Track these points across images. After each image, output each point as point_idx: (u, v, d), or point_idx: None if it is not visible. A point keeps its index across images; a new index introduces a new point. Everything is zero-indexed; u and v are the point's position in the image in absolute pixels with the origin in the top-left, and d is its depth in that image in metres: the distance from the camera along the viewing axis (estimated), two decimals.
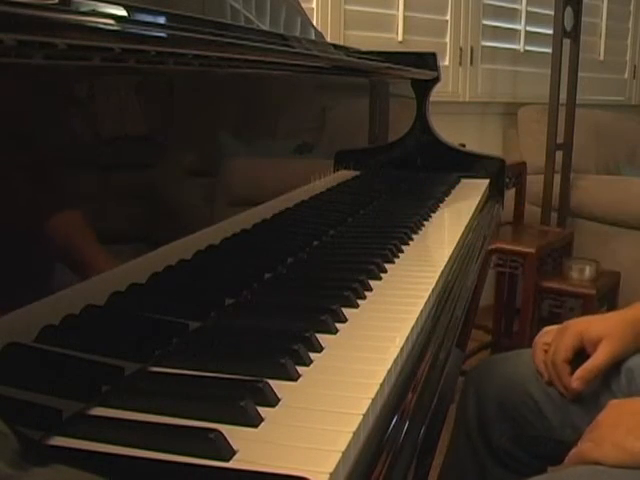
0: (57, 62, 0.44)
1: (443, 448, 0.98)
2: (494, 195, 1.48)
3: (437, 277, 0.78)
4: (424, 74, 1.50)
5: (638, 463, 0.67)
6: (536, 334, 0.97)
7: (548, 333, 0.95)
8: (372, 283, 0.75)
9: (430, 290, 0.72)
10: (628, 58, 3.39)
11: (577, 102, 2.48)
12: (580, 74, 2.48)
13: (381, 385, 0.50)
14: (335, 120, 1.09)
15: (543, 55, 2.66)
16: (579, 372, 0.87)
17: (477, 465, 0.95)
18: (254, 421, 0.44)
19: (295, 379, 0.51)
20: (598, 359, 0.86)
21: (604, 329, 0.88)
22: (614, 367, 0.88)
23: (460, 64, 2.50)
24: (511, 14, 2.73)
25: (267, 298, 0.71)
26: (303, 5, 1.34)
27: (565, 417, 0.89)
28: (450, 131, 1.63)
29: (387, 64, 1.28)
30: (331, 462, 0.39)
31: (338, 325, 0.62)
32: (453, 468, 0.98)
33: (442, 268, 0.81)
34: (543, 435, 0.91)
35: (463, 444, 0.96)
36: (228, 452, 0.40)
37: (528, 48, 2.80)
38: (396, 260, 0.87)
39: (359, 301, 0.69)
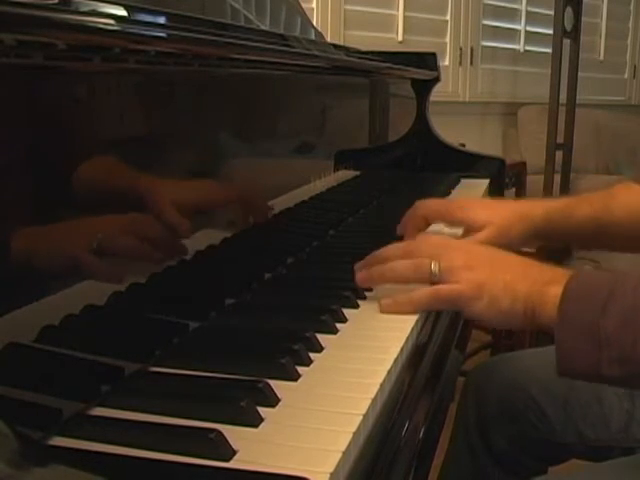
0: (57, 62, 0.44)
1: (443, 448, 0.98)
2: (494, 195, 1.48)
3: None
4: (424, 74, 1.50)
5: (509, 323, 0.64)
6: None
7: (422, 207, 0.85)
8: None
9: None
10: (628, 58, 3.39)
11: (577, 102, 2.48)
12: (580, 74, 2.48)
13: (381, 385, 0.50)
14: (335, 120, 1.09)
15: (543, 55, 2.66)
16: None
17: (476, 466, 0.94)
18: (254, 421, 0.44)
19: (295, 379, 0.51)
20: (478, 239, 0.80)
21: (491, 216, 0.82)
22: None
23: (460, 64, 2.51)
24: (511, 14, 2.73)
25: (267, 298, 0.71)
26: (303, 5, 1.34)
27: (567, 419, 0.89)
28: (450, 131, 1.63)
29: (387, 64, 1.28)
30: (331, 462, 0.39)
31: (338, 325, 0.62)
32: (452, 469, 0.98)
33: None
34: (544, 437, 0.90)
35: (462, 445, 0.96)
36: (228, 452, 0.40)
37: (528, 48, 2.80)
38: None
39: (359, 301, 0.69)
